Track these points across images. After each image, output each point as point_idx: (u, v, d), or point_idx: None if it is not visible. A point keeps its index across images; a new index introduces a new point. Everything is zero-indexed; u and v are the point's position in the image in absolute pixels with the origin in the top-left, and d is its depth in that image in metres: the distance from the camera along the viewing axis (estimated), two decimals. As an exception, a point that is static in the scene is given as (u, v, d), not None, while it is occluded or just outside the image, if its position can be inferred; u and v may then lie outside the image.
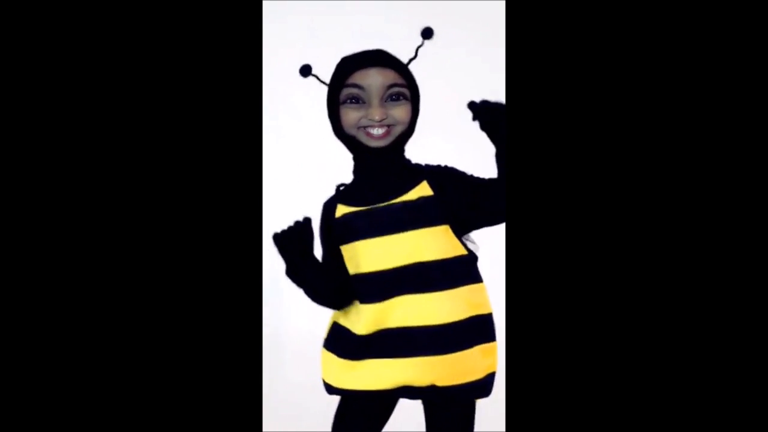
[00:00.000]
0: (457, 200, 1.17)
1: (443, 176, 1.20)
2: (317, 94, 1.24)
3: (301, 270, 1.18)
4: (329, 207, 1.24)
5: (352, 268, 1.19)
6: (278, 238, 1.17)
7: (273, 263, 1.23)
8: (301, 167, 1.26)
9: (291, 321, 1.24)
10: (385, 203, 1.17)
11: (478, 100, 1.14)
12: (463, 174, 1.21)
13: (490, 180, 1.17)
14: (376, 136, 1.17)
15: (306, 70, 1.24)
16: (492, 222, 1.18)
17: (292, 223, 1.17)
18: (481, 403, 1.21)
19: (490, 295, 1.22)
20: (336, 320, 1.23)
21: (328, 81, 1.22)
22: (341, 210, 1.21)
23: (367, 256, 1.16)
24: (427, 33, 1.21)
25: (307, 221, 1.17)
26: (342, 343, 1.19)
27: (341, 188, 1.25)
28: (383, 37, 1.26)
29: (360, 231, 1.17)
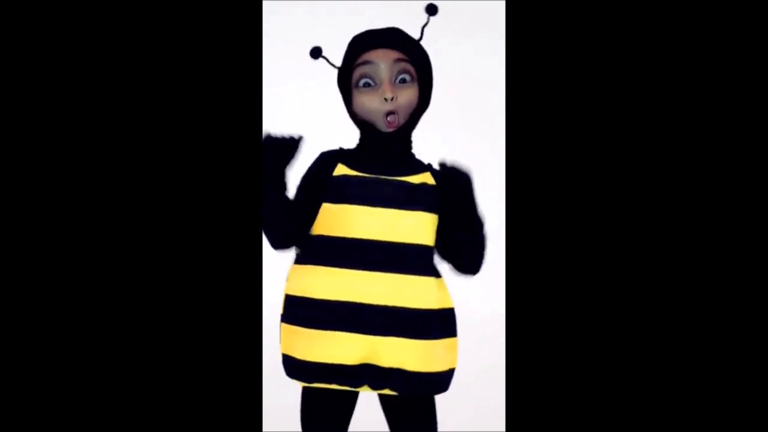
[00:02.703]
0: (445, 212, 1.19)
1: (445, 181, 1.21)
2: (316, 80, 1.25)
3: (275, 184, 1.16)
4: (327, 160, 1.22)
5: (335, 230, 1.17)
6: (270, 139, 1.16)
7: (273, 262, 1.23)
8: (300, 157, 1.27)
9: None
10: (388, 177, 1.18)
11: (449, 163, 1.17)
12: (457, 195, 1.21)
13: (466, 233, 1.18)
14: (393, 123, 1.18)
15: (316, 53, 1.25)
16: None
17: (286, 135, 1.16)
18: (481, 403, 1.21)
19: (490, 294, 1.22)
20: (289, 293, 1.20)
21: (325, 67, 1.23)
22: (342, 170, 1.20)
23: (358, 222, 1.16)
24: (431, 9, 1.22)
25: (300, 138, 1.17)
26: (305, 312, 1.17)
27: (339, 149, 1.24)
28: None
29: (357, 196, 1.17)
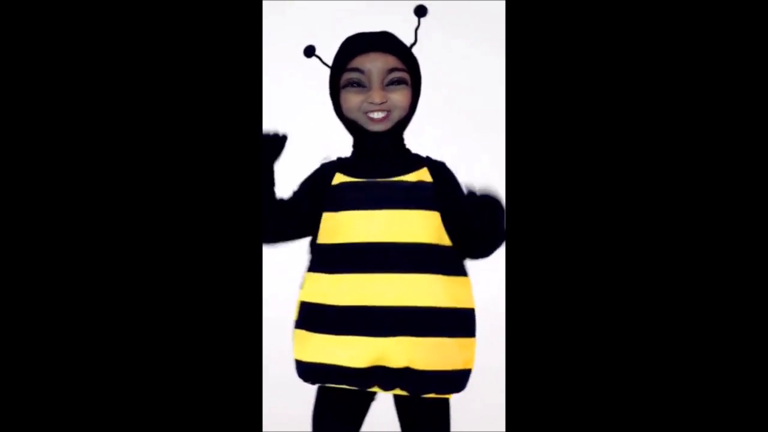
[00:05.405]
0: (446, 204, 1.18)
1: (443, 176, 1.21)
2: (314, 80, 1.25)
3: (264, 180, 1.20)
4: (327, 171, 1.23)
5: (336, 237, 1.18)
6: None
7: (273, 262, 1.23)
8: (297, 156, 1.27)
9: (292, 321, 1.24)
10: (384, 179, 1.18)
11: (478, 187, 1.15)
12: (457, 186, 1.21)
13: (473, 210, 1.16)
14: (377, 119, 1.18)
15: (310, 51, 1.25)
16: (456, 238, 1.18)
17: (271, 131, 1.21)
18: (481, 403, 1.20)
19: (490, 294, 1.22)
20: (305, 300, 1.21)
21: (328, 62, 1.23)
22: (339, 178, 1.21)
23: (356, 226, 1.17)
24: (420, 11, 1.21)
25: (285, 136, 1.21)
26: (314, 318, 1.18)
27: (337, 159, 1.26)
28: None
29: (354, 201, 1.18)
